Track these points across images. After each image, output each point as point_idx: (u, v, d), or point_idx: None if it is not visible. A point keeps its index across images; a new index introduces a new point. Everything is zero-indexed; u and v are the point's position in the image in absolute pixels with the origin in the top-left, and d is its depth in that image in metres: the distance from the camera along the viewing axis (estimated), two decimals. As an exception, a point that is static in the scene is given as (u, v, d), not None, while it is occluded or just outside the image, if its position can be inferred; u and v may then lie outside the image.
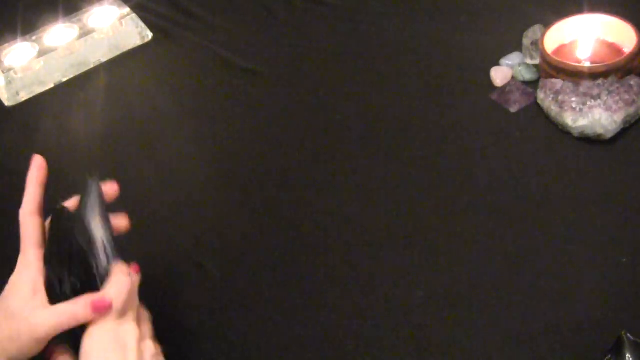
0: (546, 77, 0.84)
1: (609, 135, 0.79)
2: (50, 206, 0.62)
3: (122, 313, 0.57)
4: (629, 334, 0.59)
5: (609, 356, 0.59)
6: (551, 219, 0.74)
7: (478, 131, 0.85)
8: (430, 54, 0.96)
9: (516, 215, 0.75)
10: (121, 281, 0.58)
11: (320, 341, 0.68)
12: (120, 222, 0.63)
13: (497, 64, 0.91)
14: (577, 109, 0.79)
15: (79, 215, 0.59)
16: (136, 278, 0.60)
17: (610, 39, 0.86)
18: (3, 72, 1.02)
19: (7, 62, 1.03)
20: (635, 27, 0.83)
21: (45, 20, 1.09)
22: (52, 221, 0.60)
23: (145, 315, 0.60)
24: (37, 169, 0.63)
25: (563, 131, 0.81)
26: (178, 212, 0.83)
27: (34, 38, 1.06)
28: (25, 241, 0.58)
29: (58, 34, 1.06)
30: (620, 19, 0.85)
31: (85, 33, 1.05)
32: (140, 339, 0.56)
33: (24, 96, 1.03)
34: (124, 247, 0.61)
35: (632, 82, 0.80)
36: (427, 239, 0.74)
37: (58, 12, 1.10)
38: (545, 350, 0.63)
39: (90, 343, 0.54)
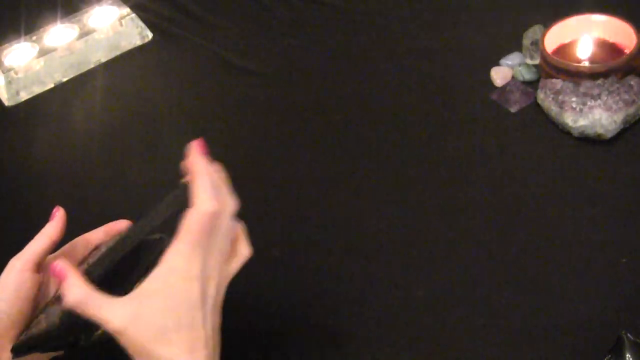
0: (546, 77, 0.84)
1: (609, 135, 0.79)
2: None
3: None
4: (629, 334, 0.59)
5: (609, 356, 0.59)
6: (551, 218, 0.74)
7: (478, 131, 0.85)
8: (430, 54, 0.96)
9: (516, 215, 0.75)
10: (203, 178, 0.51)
11: (320, 341, 0.68)
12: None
13: (497, 64, 0.91)
14: (577, 109, 0.79)
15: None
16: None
17: (610, 39, 0.86)
18: (3, 72, 1.02)
19: (7, 62, 1.03)
20: (635, 27, 0.83)
21: (45, 21, 1.09)
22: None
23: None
24: (54, 228, 0.57)
25: (563, 131, 0.81)
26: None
27: (34, 38, 1.06)
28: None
29: (58, 34, 1.06)
30: (620, 19, 0.85)
31: (85, 33, 1.05)
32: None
33: (24, 96, 1.03)
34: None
35: (632, 82, 0.80)
36: (427, 239, 0.74)
37: (58, 12, 1.10)
38: (545, 350, 0.63)
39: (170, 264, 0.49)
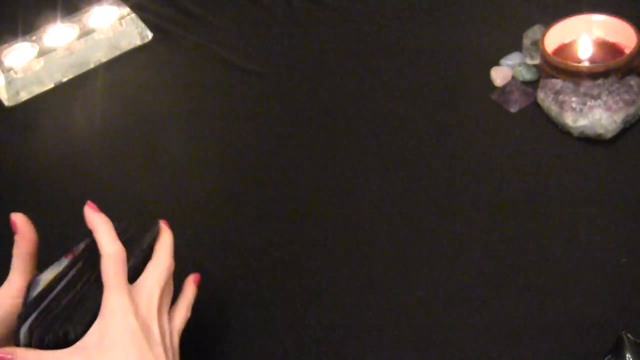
0: (546, 77, 0.84)
1: (609, 135, 0.79)
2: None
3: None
4: (629, 334, 0.59)
5: (609, 356, 0.59)
6: (551, 219, 0.74)
7: (478, 131, 0.85)
8: (430, 54, 0.96)
9: (516, 215, 0.75)
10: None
11: (320, 341, 0.68)
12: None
13: (497, 64, 0.91)
14: (577, 109, 0.79)
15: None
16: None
17: (610, 39, 0.86)
18: (3, 72, 1.02)
19: (7, 62, 1.03)
20: (635, 27, 0.83)
21: (45, 20, 1.09)
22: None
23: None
24: (23, 240, 0.57)
25: (563, 131, 0.81)
26: (178, 212, 0.83)
27: (34, 38, 1.06)
28: None
29: (58, 34, 1.06)
30: (620, 19, 0.85)
31: (85, 33, 1.05)
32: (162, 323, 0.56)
33: (24, 96, 1.03)
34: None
35: (632, 82, 0.80)
36: (427, 239, 0.74)
37: (58, 12, 1.10)
38: (545, 350, 0.63)
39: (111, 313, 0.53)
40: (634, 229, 0.71)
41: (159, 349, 0.54)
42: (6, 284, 0.56)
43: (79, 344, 0.52)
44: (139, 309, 0.54)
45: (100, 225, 0.57)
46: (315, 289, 0.73)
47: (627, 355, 0.58)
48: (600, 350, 0.61)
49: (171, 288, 0.61)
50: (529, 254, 0.71)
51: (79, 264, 0.58)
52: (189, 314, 0.62)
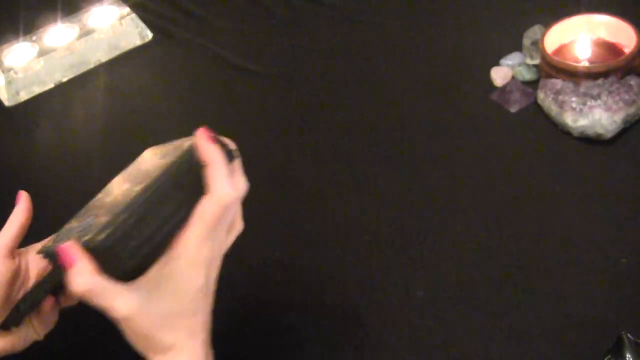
0: (546, 77, 0.84)
1: (609, 135, 0.79)
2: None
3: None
4: (629, 334, 0.59)
5: (609, 356, 0.59)
6: (551, 218, 0.74)
7: (478, 131, 0.85)
8: (430, 54, 0.96)
9: (516, 215, 0.75)
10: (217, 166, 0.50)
11: (320, 341, 0.68)
12: None
13: (497, 64, 0.91)
14: (577, 109, 0.79)
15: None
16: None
17: (610, 39, 0.86)
18: (3, 72, 1.02)
19: (7, 62, 1.03)
20: (635, 27, 0.83)
21: (45, 20, 1.09)
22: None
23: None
24: (21, 211, 0.57)
25: (563, 131, 0.81)
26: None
27: (34, 38, 1.06)
28: None
29: (58, 34, 1.06)
30: (620, 19, 0.85)
31: (85, 33, 1.05)
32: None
33: (24, 96, 1.04)
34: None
35: (632, 82, 0.80)
36: (427, 239, 0.74)
37: (58, 12, 1.10)
38: (545, 350, 0.63)
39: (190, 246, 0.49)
40: (634, 229, 0.71)
41: (209, 299, 0.51)
42: None
43: (142, 278, 0.49)
44: (212, 255, 0.50)
45: (216, 161, 0.51)
46: (315, 289, 0.73)
47: (627, 355, 0.58)
48: (600, 350, 0.61)
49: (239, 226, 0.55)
50: (529, 254, 0.71)
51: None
52: (242, 227, 0.55)
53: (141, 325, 0.48)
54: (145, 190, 0.49)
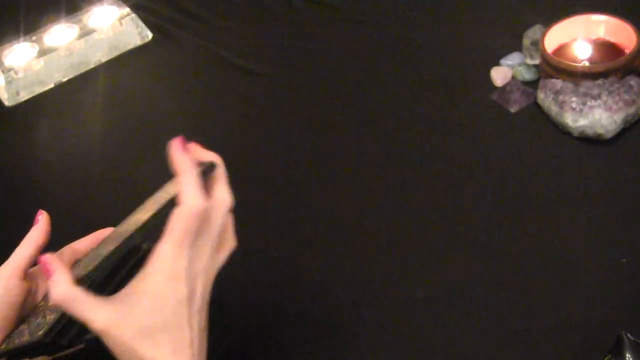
0: (546, 77, 0.84)
1: (609, 135, 0.79)
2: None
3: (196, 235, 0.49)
4: (629, 334, 0.59)
5: (609, 356, 0.59)
6: (551, 218, 0.74)
7: (478, 131, 0.85)
8: (431, 54, 0.96)
9: (516, 215, 0.75)
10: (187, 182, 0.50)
11: (320, 341, 0.68)
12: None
13: (497, 64, 0.91)
14: (577, 109, 0.79)
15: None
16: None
17: (610, 39, 0.86)
18: (3, 72, 1.02)
19: (7, 62, 1.03)
20: (635, 27, 0.83)
21: (45, 20, 1.09)
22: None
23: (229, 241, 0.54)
24: (39, 231, 0.56)
25: (563, 131, 0.81)
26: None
27: (34, 38, 1.06)
28: None
29: (58, 34, 1.06)
30: (620, 19, 0.85)
31: (85, 33, 1.05)
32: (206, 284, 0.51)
33: (24, 96, 1.04)
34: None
35: (632, 82, 0.80)
36: (427, 239, 0.74)
37: (58, 12, 1.10)
38: (545, 350, 0.63)
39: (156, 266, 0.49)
40: (634, 229, 0.71)
41: (195, 315, 0.50)
42: (4, 265, 0.55)
43: (120, 293, 0.49)
44: (191, 269, 0.50)
45: (187, 171, 0.51)
46: (315, 289, 0.73)
47: (627, 355, 0.58)
48: (600, 350, 0.61)
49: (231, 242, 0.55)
50: (529, 253, 0.71)
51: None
52: (235, 245, 0.55)
53: (121, 339, 0.48)
54: (115, 249, 0.50)
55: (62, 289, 0.48)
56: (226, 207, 0.53)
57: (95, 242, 0.60)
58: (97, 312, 0.48)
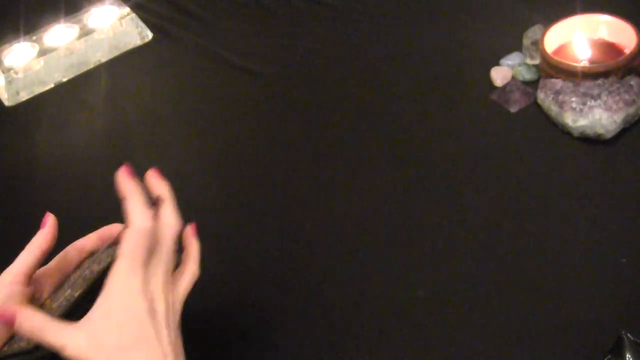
0: (546, 77, 0.84)
1: (609, 135, 0.79)
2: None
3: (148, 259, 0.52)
4: (629, 334, 0.59)
5: (609, 356, 0.59)
6: (551, 218, 0.74)
7: (478, 131, 0.85)
8: (431, 54, 0.96)
9: (516, 215, 0.75)
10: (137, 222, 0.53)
11: (320, 341, 0.68)
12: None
13: (497, 64, 0.91)
14: (577, 109, 0.79)
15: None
16: (172, 221, 0.56)
17: (610, 39, 0.86)
18: (3, 72, 1.02)
19: (7, 62, 1.03)
20: (635, 27, 0.83)
21: (45, 20, 1.09)
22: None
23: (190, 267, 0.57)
24: (44, 237, 0.57)
25: (563, 131, 0.81)
26: (178, 211, 0.83)
27: (34, 38, 1.06)
28: None
29: (58, 34, 1.06)
30: (620, 19, 0.85)
31: (85, 33, 1.05)
32: (170, 303, 0.53)
33: (24, 96, 1.04)
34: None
35: (632, 82, 0.80)
36: (427, 239, 0.74)
37: (58, 12, 1.10)
38: (545, 350, 0.63)
39: (112, 291, 0.51)
40: (634, 229, 0.71)
41: (163, 330, 0.52)
42: (7, 270, 0.55)
43: (85, 317, 0.51)
44: (148, 285, 0.52)
45: (132, 195, 0.54)
46: (315, 288, 0.73)
47: (627, 355, 0.58)
48: (600, 350, 0.61)
49: (194, 269, 0.58)
50: (529, 254, 0.71)
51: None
52: (198, 273, 0.57)
53: None
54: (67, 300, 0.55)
55: (31, 321, 0.50)
56: (174, 230, 0.56)
57: (101, 238, 0.60)
58: (67, 338, 0.49)
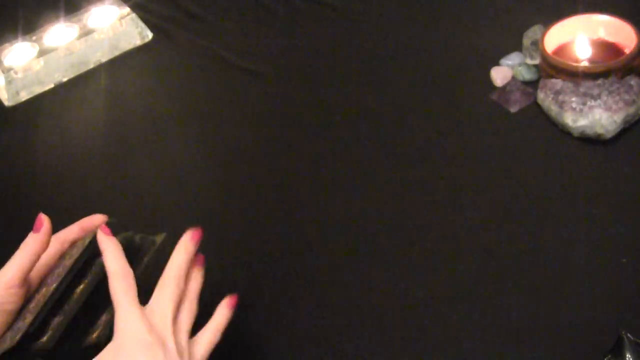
0: (546, 77, 0.84)
1: (609, 135, 0.79)
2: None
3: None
4: (629, 334, 0.59)
5: (609, 356, 0.59)
6: (551, 218, 0.74)
7: (478, 131, 0.85)
8: (430, 54, 0.96)
9: (516, 215, 0.75)
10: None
11: (320, 341, 0.68)
12: None
13: (497, 64, 0.91)
14: (577, 109, 0.79)
15: None
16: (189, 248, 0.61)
17: (610, 39, 0.86)
18: (3, 72, 1.02)
19: (7, 62, 1.03)
20: (635, 27, 0.83)
21: (45, 20, 1.09)
22: None
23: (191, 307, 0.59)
24: (36, 241, 0.57)
25: (563, 131, 0.81)
26: (178, 212, 0.83)
27: (34, 38, 1.06)
28: None
29: (58, 33, 1.06)
30: (620, 19, 0.85)
31: (85, 33, 1.05)
32: (176, 332, 0.56)
33: (24, 96, 1.04)
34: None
35: (632, 82, 0.80)
36: (427, 239, 0.74)
37: (58, 12, 1.10)
38: (545, 350, 0.63)
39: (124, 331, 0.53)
40: (634, 229, 0.71)
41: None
42: (1, 273, 0.56)
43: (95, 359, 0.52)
44: (153, 326, 0.54)
45: (110, 247, 0.57)
46: (315, 289, 0.73)
47: (627, 355, 0.58)
48: (600, 350, 0.61)
49: (193, 307, 0.59)
50: (529, 254, 0.71)
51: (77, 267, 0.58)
52: (216, 339, 0.59)
53: None
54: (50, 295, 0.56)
55: None
56: (174, 285, 0.58)
57: (83, 228, 0.61)
58: None
